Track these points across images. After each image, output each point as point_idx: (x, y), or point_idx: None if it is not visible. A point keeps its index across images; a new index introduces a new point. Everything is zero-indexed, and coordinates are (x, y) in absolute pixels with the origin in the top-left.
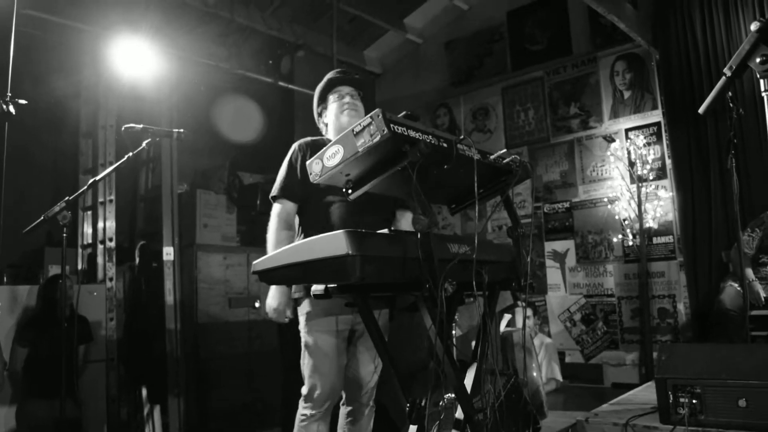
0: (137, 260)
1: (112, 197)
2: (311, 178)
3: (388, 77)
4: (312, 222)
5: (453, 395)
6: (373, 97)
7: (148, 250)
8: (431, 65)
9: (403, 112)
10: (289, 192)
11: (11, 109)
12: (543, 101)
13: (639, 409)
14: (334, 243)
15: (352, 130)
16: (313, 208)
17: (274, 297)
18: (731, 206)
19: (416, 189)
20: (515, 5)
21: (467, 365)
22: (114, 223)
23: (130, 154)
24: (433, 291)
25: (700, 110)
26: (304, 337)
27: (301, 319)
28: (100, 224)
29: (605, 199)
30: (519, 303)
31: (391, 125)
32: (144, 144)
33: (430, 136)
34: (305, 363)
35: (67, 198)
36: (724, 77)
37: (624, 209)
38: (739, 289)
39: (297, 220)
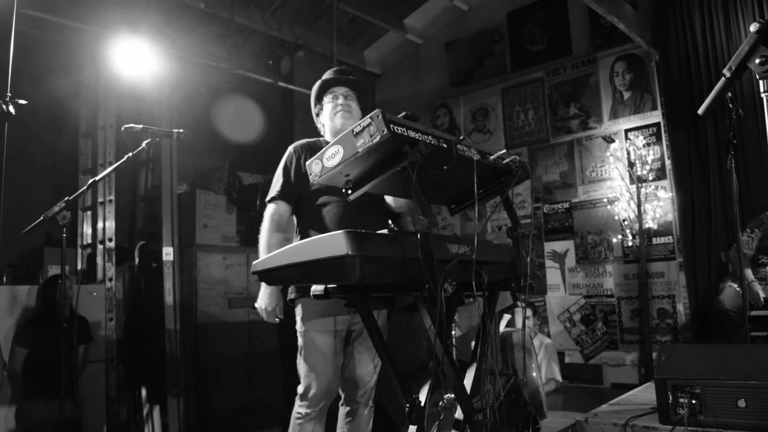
0: (137, 260)
1: (112, 197)
2: (311, 178)
3: (387, 77)
4: (309, 223)
5: (452, 395)
6: (372, 97)
7: (148, 250)
8: (431, 66)
9: (403, 113)
10: (284, 194)
11: (11, 109)
12: (543, 102)
13: (638, 410)
14: (333, 243)
15: (352, 131)
16: (310, 209)
17: (263, 297)
18: (731, 207)
19: (416, 189)
20: (515, 6)
21: (467, 365)
22: (113, 224)
23: (130, 154)
24: (433, 291)
25: (700, 111)
26: (300, 337)
27: (298, 319)
28: (100, 224)
29: (605, 200)
30: (519, 303)
31: (391, 126)
32: (144, 144)
33: (429, 137)
34: (301, 362)
35: (66, 198)
36: (723, 78)
37: (623, 210)
38: (738, 289)
39: (295, 221)
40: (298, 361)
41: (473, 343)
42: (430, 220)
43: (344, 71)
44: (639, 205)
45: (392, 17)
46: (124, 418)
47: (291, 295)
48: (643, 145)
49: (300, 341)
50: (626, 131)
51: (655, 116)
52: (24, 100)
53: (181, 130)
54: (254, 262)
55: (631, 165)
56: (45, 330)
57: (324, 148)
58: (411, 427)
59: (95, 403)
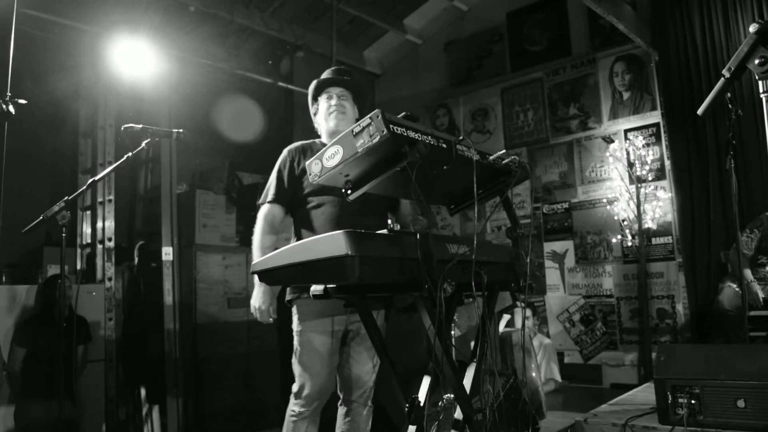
0: (136, 260)
1: (111, 197)
2: (310, 178)
3: (387, 78)
4: (302, 225)
5: (452, 395)
6: (368, 96)
7: (147, 250)
8: (431, 66)
9: (403, 113)
10: (276, 197)
11: (11, 108)
12: (542, 102)
13: (638, 410)
14: (333, 243)
15: (352, 131)
16: (302, 212)
17: (257, 297)
18: (730, 207)
19: (415, 189)
20: (515, 6)
21: (466, 366)
22: (113, 223)
23: (130, 154)
24: (432, 291)
25: (699, 111)
26: (296, 336)
27: (295, 319)
28: (99, 224)
29: (604, 200)
30: (518, 303)
31: (391, 126)
32: (143, 144)
33: (429, 137)
34: (296, 362)
35: (66, 198)
36: (722, 79)
37: (623, 210)
38: (737, 289)
39: (292, 223)
40: (293, 360)
41: (472, 343)
42: (429, 221)
43: (342, 71)
44: (638, 206)
45: (392, 17)
46: (123, 418)
47: (288, 297)
48: (643, 146)
49: (296, 341)
50: (626, 131)
51: (655, 116)
52: (24, 100)
53: (181, 130)
54: (254, 262)
55: (631, 165)
56: (44, 330)
57: (324, 148)
58: (410, 427)
59: (94, 403)
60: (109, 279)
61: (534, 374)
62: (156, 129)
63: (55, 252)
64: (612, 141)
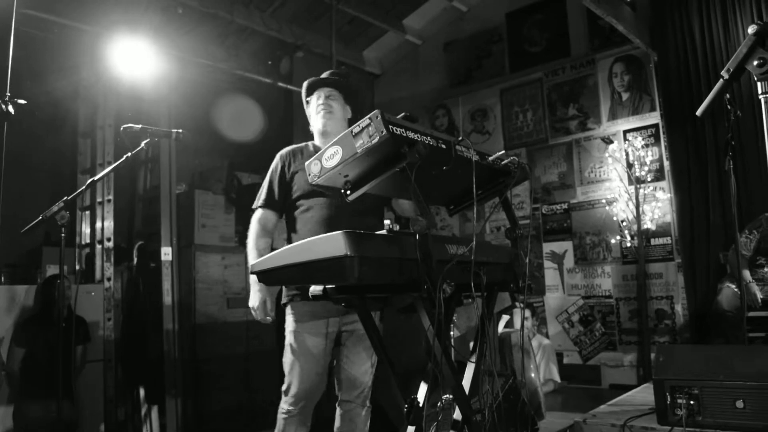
0: (135, 260)
1: (111, 197)
2: (309, 179)
3: (387, 78)
4: (292, 228)
5: (451, 396)
6: (371, 97)
7: (146, 250)
8: (430, 66)
9: (402, 114)
10: (268, 202)
11: (10, 108)
12: (541, 103)
13: (637, 410)
14: (332, 244)
15: (351, 131)
16: (292, 215)
17: (255, 297)
18: (729, 208)
19: (414, 190)
20: (514, 7)
21: (465, 366)
22: (112, 223)
23: (129, 154)
24: (432, 292)
25: (698, 112)
26: (289, 335)
27: (289, 319)
28: (98, 224)
29: (603, 201)
30: (517, 304)
31: (390, 126)
32: (143, 144)
33: (428, 137)
34: (286, 361)
35: (65, 198)
36: (721, 80)
37: (622, 210)
38: (736, 290)
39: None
40: (284, 359)
41: (472, 344)
42: (428, 221)
43: (335, 73)
44: (637, 206)
45: (391, 18)
46: (121, 419)
47: (284, 300)
48: (642, 146)
49: (287, 339)
50: (625, 132)
51: (654, 117)
52: (23, 100)
53: (180, 130)
54: (253, 263)
55: (630, 166)
56: (43, 330)
57: (323, 149)
58: (409, 427)
59: (93, 404)
60: (108, 279)
61: (533, 375)
62: (155, 129)
63: (54, 252)
64: (611, 142)
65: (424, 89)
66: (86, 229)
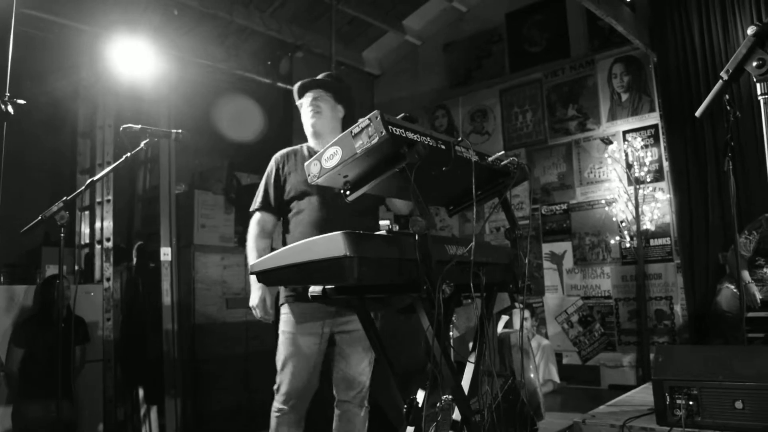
0: (134, 260)
1: (110, 197)
2: (309, 179)
3: (386, 78)
4: (287, 230)
5: (450, 396)
6: (371, 97)
7: (146, 250)
8: (430, 67)
9: (401, 114)
10: (264, 205)
11: (10, 108)
12: (541, 103)
13: (636, 411)
14: (331, 244)
15: (351, 132)
16: (287, 218)
17: (256, 296)
18: (728, 208)
19: (414, 190)
20: (514, 7)
21: (464, 366)
22: (111, 224)
23: (129, 154)
24: (431, 292)
25: (697, 113)
26: (281, 335)
27: (283, 318)
28: (98, 224)
29: (603, 201)
30: (516, 304)
31: (389, 127)
32: (142, 144)
33: (428, 138)
34: (278, 359)
35: (64, 198)
36: (720, 81)
37: (621, 211)
38: (735, 291)
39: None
40: (277, 357)
41: (471, 344)
42: (427, 222)
43: (329, 74)
44: (637, 207)
45: (391, 18)
46: (121, 419)
47: (281, 300)
48: (641, 147)
49: (280, 339)
50: (624, 133)
51: (653, 118)
52: (23, 100)
53: (180, 130)
54: (252, 263)
55: (629, 166)
56: (42, 330)
57: (323, 149)
58: (408, 428)
59: (92, 404)
60: (108, 279)
61: (532, 375)
62: (155, 129)
63: (54, 252)
64: (610, 142)
65: (423, 90)
66: (86, 229)
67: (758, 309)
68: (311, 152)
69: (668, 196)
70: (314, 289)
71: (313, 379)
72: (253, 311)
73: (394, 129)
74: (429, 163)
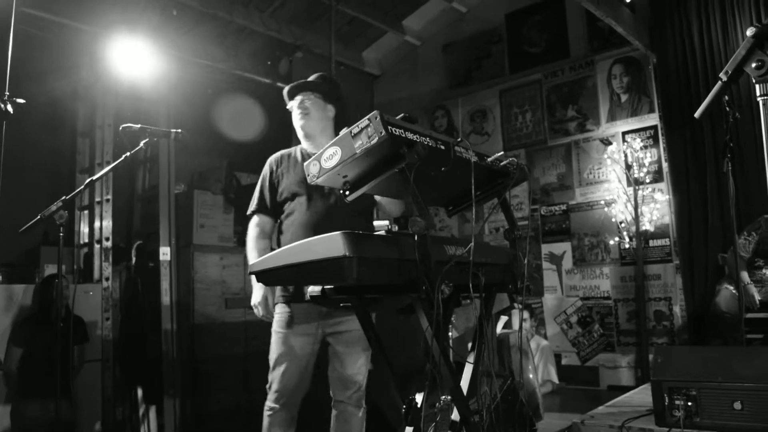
0: (134, 260)
1: (109, 197)
2: (309, 179)
3: (386, 79)
4: (281, 232)
5: (449, 397)
6: (370, 98)
7: (145, 250)
8: (429, 67)
9: (401, 114)
10: (260, 207)
11: (9, 108)
12: (540, 104)
13: (635, 412)
14: (330, 244)
15: (350, 132)
16: (281, 220)
17: (258, 295)
18: (727, 210)
19: (413, 191)
20: (513, 8)
21: (463, 367)
22: (111, 223)
23: (128, 153)
24: (430, 293)
25: (696, 114)
26: (274, 335)
27: (276, 318)
28: (97, 224)
29: (602, 202)
30: (515, 305)
31: (389, 127)
32: (141, 144)
33: (427, 138)
34: (271, 358)
35: (63, 197)
36: (720, 82)
37: (621, 212)
38: (734, 292)
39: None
40: (270, 356)
41: (470, 345)
42: (427, 222)
43: (322, 76)
44: (636, 208)
45: (391, 18)
46: (119, 419)
47: (277, 300)
48: (641, 148)
49: (273, 338)
50: (623, 134)
51: (653, 119)
52: (22, 99)
53: (179, 130)
54: (252, 263)
55: (629, 167)
56: (41, 329)
57: (322, 149)
58: (407, 428)
59: (91, 404)
60: (107, 279)
61: (531, 376)
62: (154, 129)
63: (53, 251)
64: (610, 143)
65: (423, 90)
66: (85, 229)
67: (757, 310)
68: (304, 154)
69: (667, 197)
70: (313, 289)
71: (304, 378)
72: (255, 309)
73: (393, 129)
74: (428, 163)
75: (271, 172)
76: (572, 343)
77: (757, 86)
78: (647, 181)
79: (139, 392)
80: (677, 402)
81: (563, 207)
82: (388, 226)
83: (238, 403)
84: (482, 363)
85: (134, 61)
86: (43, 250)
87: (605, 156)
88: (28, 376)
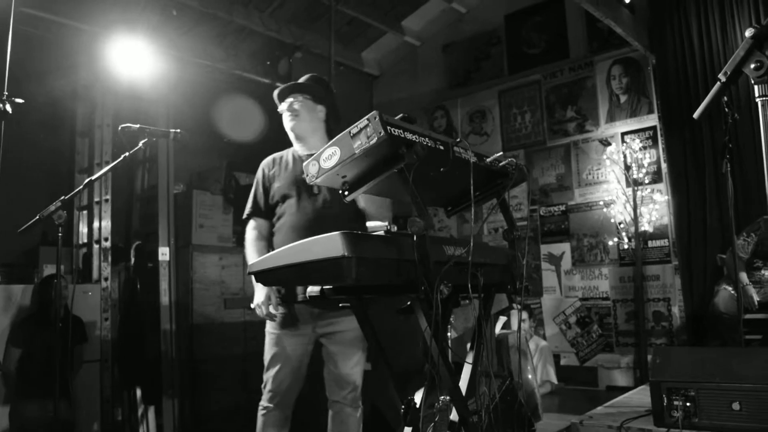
0: (132, 260)
1: (108, 197)
2: (308, 179)
3: (385, 79)
4: (274, 232)
5: (448, 397)
6: (370, 98)
7: (144, 250)
8: (429, 68)
9: (400, 115)
10: (254, 211)
11: (8, 107)
12: (540, 104)
13: (633, 412)
14: (329, 244)
15: (349, 132)
16: (275, 220)
17: (260, 295)
18: (726, 210)
19: (412, 191)
20: (513, 9)
21: (462, 367)
22: (109, 223)
23: (127, 153)
24: (429, 293)
25: (695, 115)
26: (267, 336)
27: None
28: (96, 224)
29: (601, 203)
30: (514, 305)
31: (388, 127)
32: (141, 144)
33: (426, 139)
34: (265, 359)
35: (62, 197)
36: (718, 83)
37: (620, 213)
38: (733, 292)
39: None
40: (265, 356)
41: (469, 345)
42: (426, 222)
43: (312, 78)
44: (635, 208)
45: (390, 19)
46: (118, 419)
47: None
48: (640, 149)
49: (267, 339)
50: (623, 134)
51: (652, 120)
52: (21, 99)
53: (178, 130)
54: (251, 263)
55: (628, 168)
56: (40, 330)
57: (321, 149)
58: (406, 428)
59: (90, 404)
60: (106, 279)
61: (530, 376)
62: (153, 129)
63: (52, 252)
64: (609, 144)
65: (422, 90)
66: (83, 229)
67: (756, 311)
68: (295, 156)
69: (666, 197)
70: (312, 290)
71: (298, 379)
72: (258, 310)
73: (392, 129)
74: (427, 163)
75: (264, 176)
76: (571, 344)
77: (755, 87)
78: (646, 181)
79: (138, 392)
80: (676, 402)
81: (562, 208)
82: (387, 226)
83: (237, 403)
84: (481, 363)
85: (133, 61)
86: (41, 250)
87: (604, 157)
88: (27, 376)
